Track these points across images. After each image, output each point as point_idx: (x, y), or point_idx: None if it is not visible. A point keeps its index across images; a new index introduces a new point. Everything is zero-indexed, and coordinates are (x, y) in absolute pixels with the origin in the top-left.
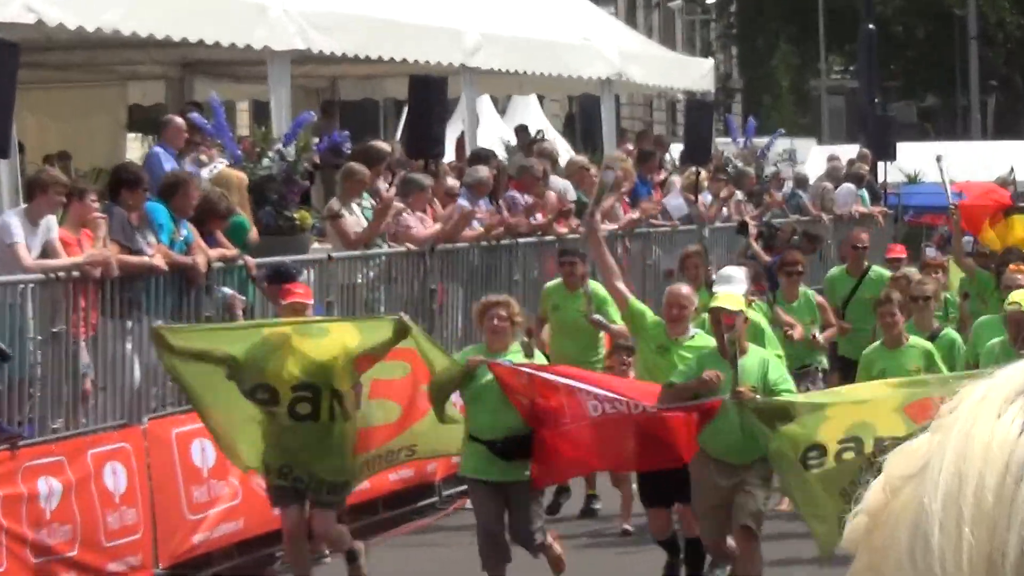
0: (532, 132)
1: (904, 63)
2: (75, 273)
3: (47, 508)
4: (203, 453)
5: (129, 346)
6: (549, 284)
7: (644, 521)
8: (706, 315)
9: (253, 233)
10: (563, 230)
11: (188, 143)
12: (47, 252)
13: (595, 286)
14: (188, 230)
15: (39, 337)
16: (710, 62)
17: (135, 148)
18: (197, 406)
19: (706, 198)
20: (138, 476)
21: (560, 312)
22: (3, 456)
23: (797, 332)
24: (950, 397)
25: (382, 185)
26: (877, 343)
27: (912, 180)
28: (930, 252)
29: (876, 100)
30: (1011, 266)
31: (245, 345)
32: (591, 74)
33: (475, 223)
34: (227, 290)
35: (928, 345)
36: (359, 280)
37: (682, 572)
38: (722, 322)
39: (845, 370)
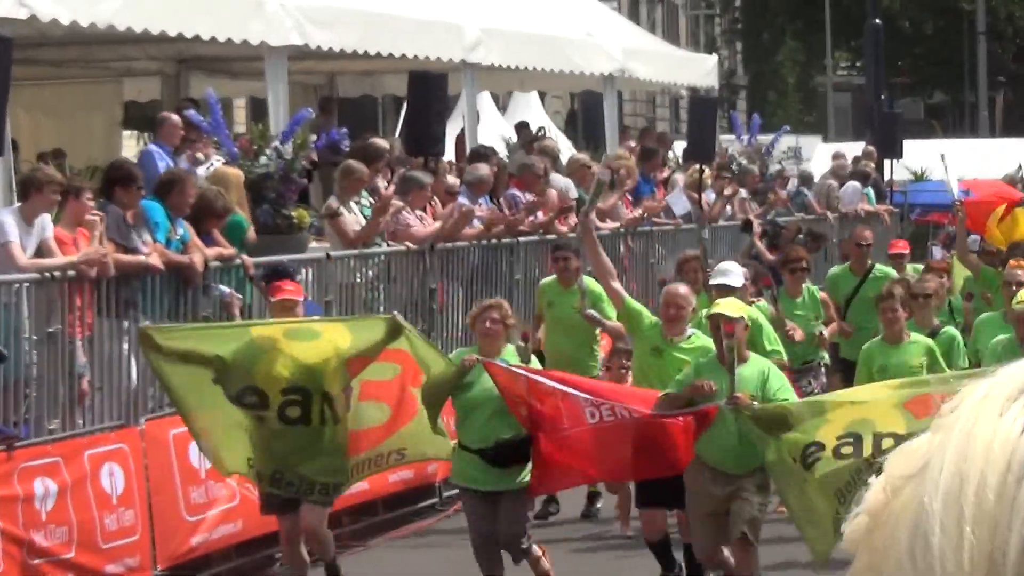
0: (533, 129)
1: (911, 59)
2: (71, 272)
3: (43, 509)
4: (200, 454)
5: (126, 346)
6: (544, 281)
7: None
8: (705, 316)
9: (251, 232)
10: (564, 229)
11: (184, 140)
12: (42, 251)
13: (590, 282)
14: (185, 229)
15: (35, 337)
16: (714, 58)
17: (130, 145)
18: (180, 408)
19: (710, 196)
20: (135, 477)
21: (555, 309)
22: None
23: (798, 335)
24: (951, 396)
25: (381, 183)
26: (878, 338)
27: (919, 178)
28: (936, 252)
29: (883, 97)
30: (1011, 262)
31: (233, 346)
32: (593, 70)
33: (475, 221)
34: (225, 289)
35: (929, 341)
36: (358, 279)
37: None
38: (722, 328)
39: (847, 372)
